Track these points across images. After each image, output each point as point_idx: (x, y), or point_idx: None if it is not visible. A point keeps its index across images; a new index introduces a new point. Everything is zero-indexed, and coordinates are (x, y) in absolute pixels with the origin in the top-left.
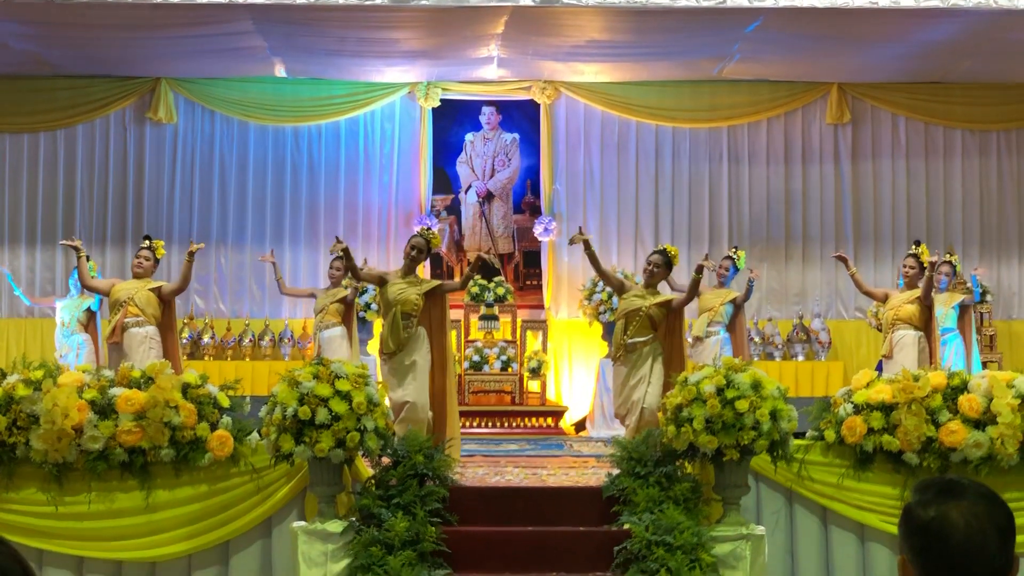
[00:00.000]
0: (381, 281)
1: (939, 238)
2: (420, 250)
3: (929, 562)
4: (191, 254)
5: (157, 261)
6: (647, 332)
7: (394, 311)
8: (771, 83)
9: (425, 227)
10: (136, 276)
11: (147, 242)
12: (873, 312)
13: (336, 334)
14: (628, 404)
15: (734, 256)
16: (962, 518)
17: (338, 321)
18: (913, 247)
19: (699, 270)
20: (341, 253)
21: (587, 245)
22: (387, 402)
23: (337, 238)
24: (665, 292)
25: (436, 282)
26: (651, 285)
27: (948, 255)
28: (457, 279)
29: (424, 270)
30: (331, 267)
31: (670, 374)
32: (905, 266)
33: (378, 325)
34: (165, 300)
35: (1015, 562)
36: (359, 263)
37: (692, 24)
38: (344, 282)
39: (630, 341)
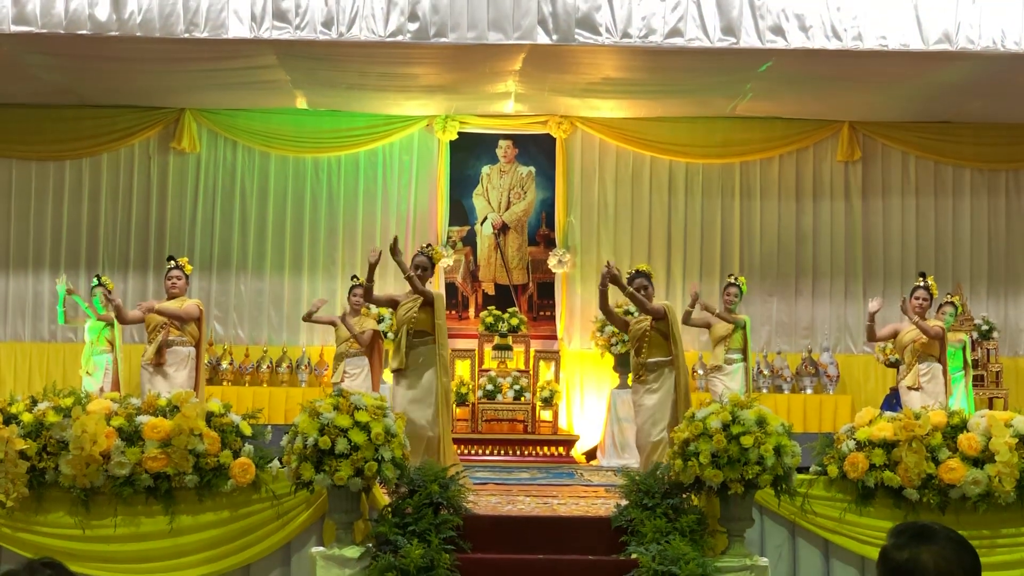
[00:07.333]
0: (393, 303)
1: (947, 275)
2: (424, 268)
3: None
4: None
5: (188, 278)
6: (664, 352)
7: (402, 330)
8: (784, 120)
9: (425, 244)
10: (171, 297)
11: (172, 262)
12: (881, 348)
13: (361, 362)
14: (651, 427)
15: (736, 282)
16: (932, 560)
17: (362, 351)
18: (920, 279)
19: (692, 303)
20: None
21: (615, 279)
22: (403, 432)
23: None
24: None
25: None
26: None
27: (949, 294)
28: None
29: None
30: (351, 294)
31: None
32: (918, 298)
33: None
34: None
35: None
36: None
37: (706, 63)
38: (367, 316)
39: (650, 361)
